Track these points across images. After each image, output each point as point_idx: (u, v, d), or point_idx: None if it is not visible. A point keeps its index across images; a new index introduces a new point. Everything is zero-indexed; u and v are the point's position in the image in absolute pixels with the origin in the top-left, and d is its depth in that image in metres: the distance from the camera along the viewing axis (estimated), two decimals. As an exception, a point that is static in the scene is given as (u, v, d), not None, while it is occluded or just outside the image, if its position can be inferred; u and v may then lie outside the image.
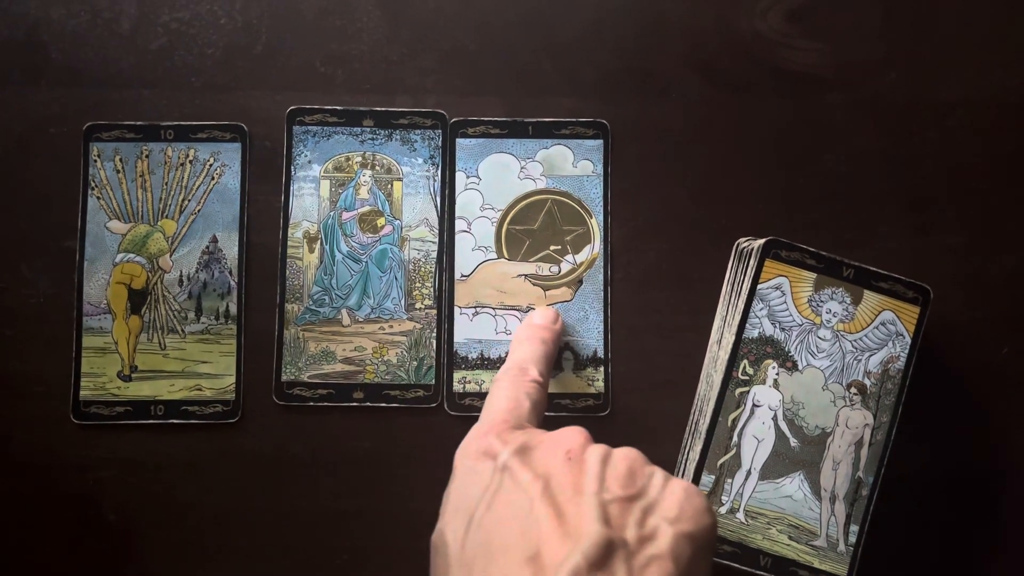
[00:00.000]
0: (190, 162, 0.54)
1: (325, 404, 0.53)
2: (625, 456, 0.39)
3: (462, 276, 0.54)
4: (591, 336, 0.54)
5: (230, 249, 0.54)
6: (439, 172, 0.55)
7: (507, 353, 0.53)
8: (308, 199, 0.54)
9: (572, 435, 0.39)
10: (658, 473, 0.38)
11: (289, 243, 0.54)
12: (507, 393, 0.44)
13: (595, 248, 0.55)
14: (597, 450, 0.38)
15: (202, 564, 0.52)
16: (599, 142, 0.55)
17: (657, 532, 0.35)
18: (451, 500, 0.39)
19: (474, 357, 0.54)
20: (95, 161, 0.54)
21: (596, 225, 0.55)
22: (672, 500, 0.37)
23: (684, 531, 0.36)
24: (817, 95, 0.56)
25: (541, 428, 0.42)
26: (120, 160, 0.54)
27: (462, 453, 0.41)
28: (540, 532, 0.34)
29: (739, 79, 0.56)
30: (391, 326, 0.54)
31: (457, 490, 0.39)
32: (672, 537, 0.35)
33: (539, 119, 0.55)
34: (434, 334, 0.54)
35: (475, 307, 0.54)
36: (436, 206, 0.55)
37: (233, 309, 0.53)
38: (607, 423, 0.53)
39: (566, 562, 0.33)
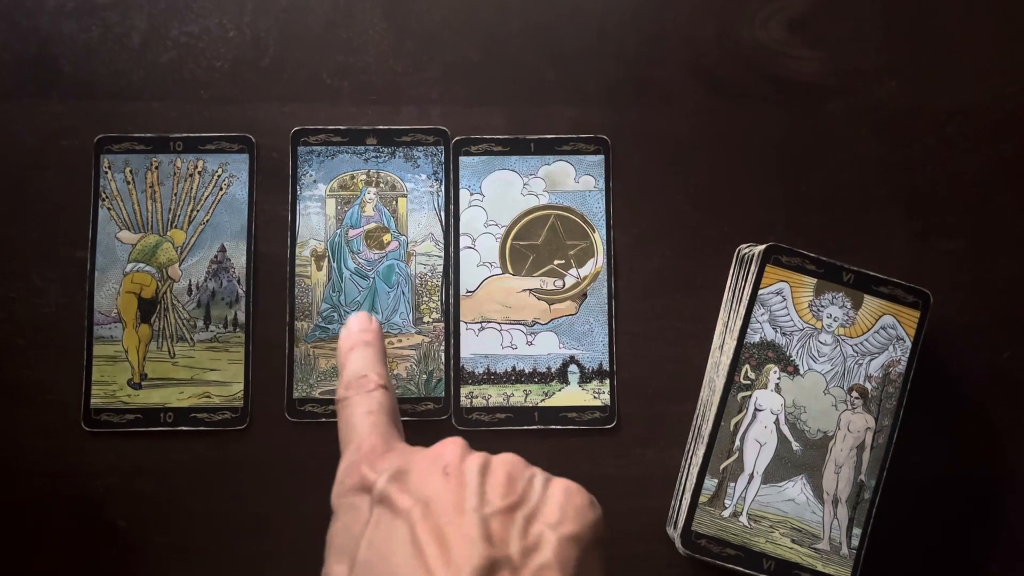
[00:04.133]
0: (199, 173, 0.55)
1: (337, 420, 0.53)
2: (503, 462, 0.37)
3: (467, 292, 0.55)
4: (596, 348, 0.54)
5: (238, 258, 0.55)
6: (443, 187, 0.56)
7: (513, 367, 0.54)
8: (314, 218, 0.55)
9: (448, 448, 0.38)
10: (538, 476, 0.37)
11: (297, 261, 0.55)
12: (360, 411, 0.42)
13: (598, 262, 0.55)
14: (475, 460, 0.37)
15: (210, 570, 0.52)
16: (600, 157, 0.56)
17: (541, 540, 0.34)
18: (334, 541, 0.37)
19: (480, 372, 0.54)
20: (106, 172, 0.55)
21: (599, 239, 0.55)
22: (552, 503, 0.36)
23: (567, 534, 0.35)
24: (817, 103, 0.56)
25: (402, 432, 0.41)
26: (130, 171, 0.55)
27: (337, 491, 0.39)
28: (427, 562, 0.33)
29: (740, 88, 0.56)
30: (400, 340, 0.54)
31: (339, 531, 0.38)
32: (556, 543, 0.34)
33: (540, 136, 0.56)
34: (442, 347, 0.54)
35: (481, 322, 0.55)
36: (441, 221, 0.55)
37: (241, 317, 0.54)
38: (614, 434, 0.54)
39: None
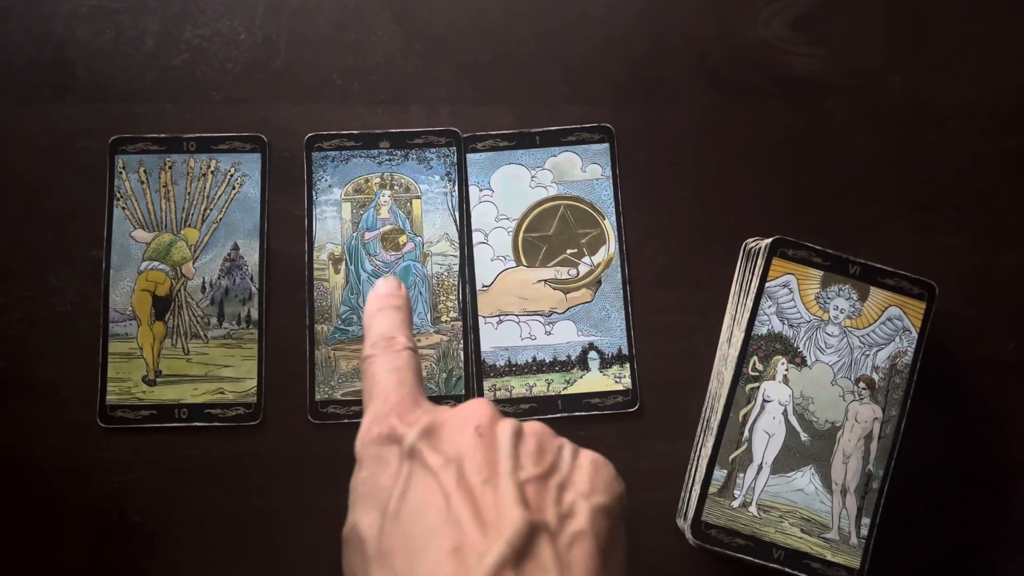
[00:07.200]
0: (212, 172, 0.56)
1: (359, 420, 0.54)
2: (533, 431, 0.37)
3: (483, 287, 0.56)
4: (614, 334, 0.55)
5: (251, 256, 0.55)
6: (456, 188, 0.56)
7: (533, 357, 0.54)
8: (331, 222, 0.56)
9: (479, 409, 0.38)
10: (567, 447, 0.38)
11: (315, 265, 0.55)
12: (386, 367, 0.41)
13: (611, 248, 0.56)
14: (508, 425, 0.37)
15: (224, 564, 0.53)
16: (605, 145, 0.57)
17: (574, 508, 0.35)
18: (360, 491, 0.37)
19: (502, 364, 0.55)
20: (120, 173, 0.56)
21: (610, 226, 0.56)
22: (582, 474, 0.36)
23: (599, 504, 0.35)
24: (821, 100, 0.57)
25: (426, 394, 0.41)
26: (144, 171, 0.56)
27: (363, 440, 0.38)
28: (460, 522, 0.33)
29: (745, 85, 0.57)
30: (419, 340, 0.55)
31: (365, 481, 0.37)
32: (589, 512, 0.35)
33: (545, 128, 0.57)
34: (461, 345, 0.55)
35: (499, 315, 0.55)
36: (455, 220, 0.56)
37: (254, 314, 0.55)
38: (637, 418, 0.54)
39: (490, 552, 0.32)
